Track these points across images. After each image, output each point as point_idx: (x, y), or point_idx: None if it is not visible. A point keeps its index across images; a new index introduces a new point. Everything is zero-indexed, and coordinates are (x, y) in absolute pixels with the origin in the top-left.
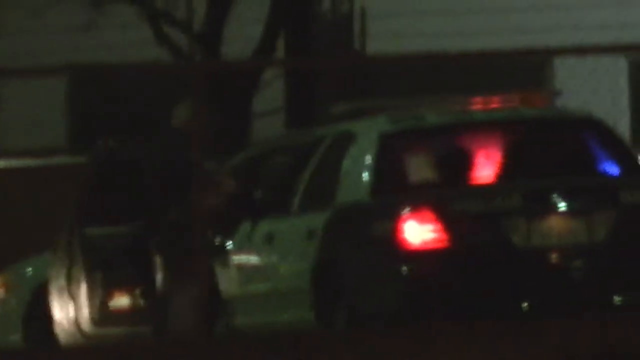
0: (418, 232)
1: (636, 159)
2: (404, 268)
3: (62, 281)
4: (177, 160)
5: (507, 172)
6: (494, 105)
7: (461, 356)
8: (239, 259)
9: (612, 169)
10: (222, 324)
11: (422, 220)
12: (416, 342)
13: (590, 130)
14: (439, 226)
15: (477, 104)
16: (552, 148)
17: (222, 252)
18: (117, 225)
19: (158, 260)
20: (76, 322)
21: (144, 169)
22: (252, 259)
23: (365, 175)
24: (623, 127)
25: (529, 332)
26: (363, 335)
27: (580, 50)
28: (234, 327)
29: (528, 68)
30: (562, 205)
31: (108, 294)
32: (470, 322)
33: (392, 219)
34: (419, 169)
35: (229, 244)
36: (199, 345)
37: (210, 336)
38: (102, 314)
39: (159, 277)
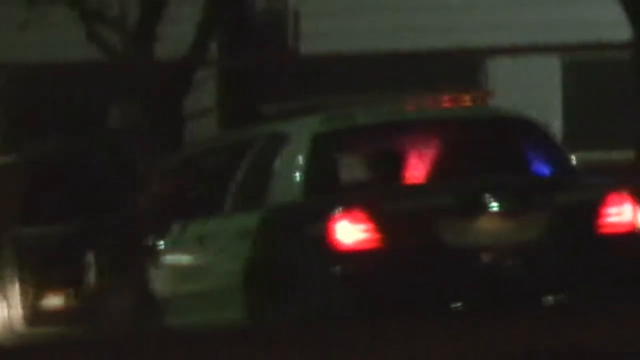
0: (350, 232)
1: (569, 158)
2: (336, 268)
3: None
4: (112, 160)
5: (440, 172)
6: (427, 105)
7: (383, 355)
8: (172, 259)
9: (546, 169)
10: (156, 324)
11: (355, 220)
12: (345, 340)
13: (523, 129)
14: (371, 226)
15: (410, 103)
16: (485, 147)
17: (155, 253)
18: (50, 225)
19: (92, 260)
20: (9, 322)
21: (80, 169)
22: (185, 258)
23: (298, 176)
24: (556, 127)
25: (457, 330)
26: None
27: (513, 50)
28: (167, 327)
29: (462, 67)
30: (494, 205)
31: (41, 294)
32: (395, 321)
33: (325, 219)
34: (352, 169)
35: (162, 244)
36: (134, 344)
37: (145, 335)
38: (35, 314)
39: (93, 277)
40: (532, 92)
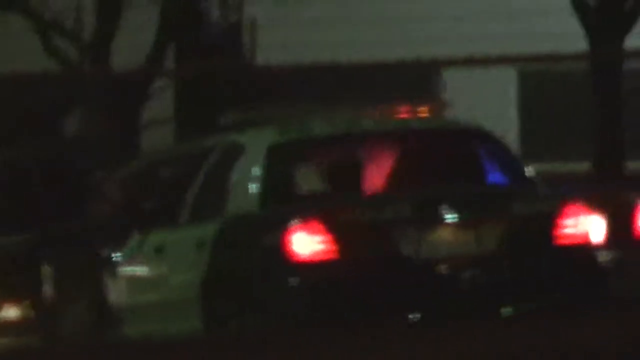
0: (307, 243)
1: (525, 169)
2: (293, 279)
3: None
4: (67, 170)
5: (396, 182)
6: (384, 116)
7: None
8: (129, 269)
9: (501, 179)
10: (113, 334)
11: (311, 231)
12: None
13: (479, 140)
14: (328, 237)
15: (367, 114)
16: (442, 158)
17: (111, 263)
18: (3, 235)
19: (47, 271)
20: None
21: (34, 179)
22: (142, 269)
23: (255, 187)
24: (512, 137)
25: (421, 339)
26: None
27: (468, 61)
28: (124, 337)
29: (417, 79)
30: (451, 216)
31: None
32: (356, 330)
33: (281, 230)
34: (309, 179)
35: (118, 255)
36: (91, 354)
37: (102, 345)
38: None
39: (50, 287)
40: (487, 103)
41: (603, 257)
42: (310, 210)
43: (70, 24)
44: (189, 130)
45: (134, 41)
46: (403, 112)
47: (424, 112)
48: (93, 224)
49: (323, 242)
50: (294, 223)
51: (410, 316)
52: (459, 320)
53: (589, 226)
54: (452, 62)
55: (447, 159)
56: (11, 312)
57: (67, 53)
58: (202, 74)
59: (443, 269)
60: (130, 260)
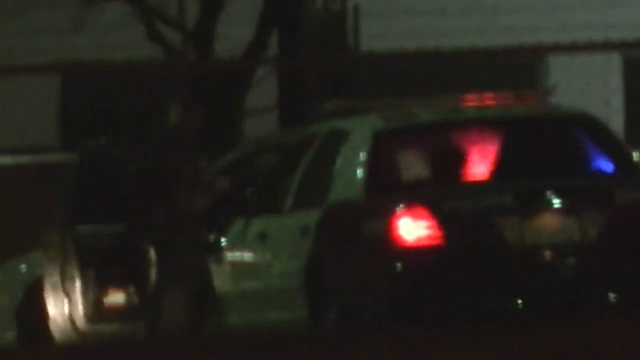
0: (411, 229)
1: (631, 156)
2: (397, 266)
3: (56, 278)
4: (166, 159)
5: (499, 170)
6: (487, 103)
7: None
8: (232, 256)
9: (607, 167)
10: (214, 322)
11: (416, 218)
12: (399, 346)
13: (584, 127)
14: (432, 224)
15: (470, 102)
16: (545, 146)
17: (216, 250)
18: (107, 223)
19: (151, 258)
20: (70, 319)
21: (133, 168)
22: (245, 256)
23: (359, 173)
24: (617, 125)
25: (513, 334)
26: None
27: (574, 48)
28: (225, 325)
29: (520, 67)
30: (554, 204)
31: (102, 291)
32: (458, 326)
33: (386, 217)
34: (412, 166)
35: (223, 242)
36: (186, 345)
37: (199, 335)
38: (97, 311)
39: (152, 274)
40: (592, 90)
41: None
42: (416, 196)
43: (173, 11)
44: (293, 118)
45: (236, 29)
46: (505, 100)
47: (527, 99)
48: (195, 211)
49: (427, 228)
50: (399, 209)
51: (513, 304)
52: (558, 313)
53: None
54: (556, 49)
55: (551, 146)
56: (116, 298)
57: (170, 40)
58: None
59: (546, 256)
60: (233, 247)
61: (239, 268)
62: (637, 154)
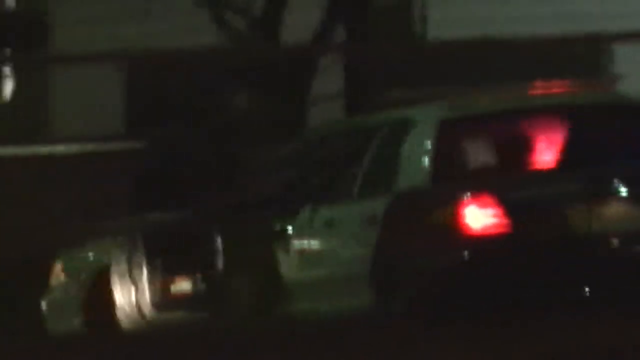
0: (479, 217)
1: None
2: (465, 253)
3: (123, 266)
4: (231, 148)
5: (566, 158)
6: (553, 91)
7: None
8: (299, 244)
9: None
10: (281, 310)
11: (483, 206)
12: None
13: None
14: (499, 211)
15: (536, 90)
16: (611, 134)
17: (283, 237)
18: (173, 210)
19: (217, 246)
20: (138, 307)
21: (199, 155)
22: (312, 244)
23: (425, 161)
24: None
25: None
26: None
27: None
28: (292, 313)
29: (585, 55)
30: (621, 192)
31: (169, 279)
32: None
33: (453, 204)
34: (479, 155)
35: (290, 229)
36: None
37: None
38: (164, 299)
39: (218, 262)
40: None
41: None
42: (482, 184)
43: None
44: (358, 106)
45: (303, 16)
46: (571, 88)
47: (594, 87)
48: (263, 197)
49: (495, 216)
50: (466, 197)
51: (581, 292)
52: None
53: None
54: (622, 37)
55: (617, 133)
56: (183, 286)
57: (236, 27)
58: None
59: (613, 244)
60: (300, 234)
61: (306, 256)
62: None
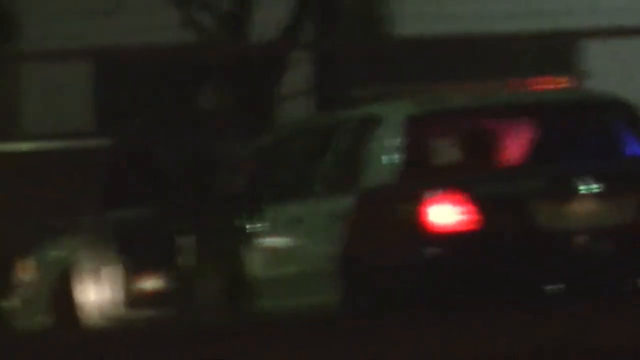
0: (446, 214)
1: None
2: (429, 250)
3: (91, 263)
4: (198, 144)
5: (532, 155)
6: (520, 89)
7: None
8: (265, 241)
9: (639, 151)
10: (247, 307)
11: (450, 203)
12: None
13: (616, 111)
14: (465, 209)
15: (504, 87)
16: (578, 130)
17: (248, 235)
18: (141, 207)
19: (184, 243)
20: (105, 304)
21: (166, 152)
22: (279, 241)
23: (392, 158)
24: None
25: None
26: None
27: (610, 33)
28: (258, 310)
29: (553, 51)
30: (588, 188)
31: (137, 277)
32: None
33: (420, 201)
34: (445, 151)
35: (257, 226)
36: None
37: (233, 320)
38: (131, 297)
39: (185, 259)
40: (628, 74)
41: None
42: (449, 181)
43: None
44: (327, 103)
45: (271, 13)
46: (539, 84)
47: (561, 83)
48: (227, 196)
49: (462, 213)
50: (433, 194)
51: (549, 288)
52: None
53: None
54: (587, 34)
55: (584, 130)
56: (151, 284)
57: (204, 24)
58: (340, 47)
59: (580, 240)
60: (266, 231)
61: (272, 253)
62: None
